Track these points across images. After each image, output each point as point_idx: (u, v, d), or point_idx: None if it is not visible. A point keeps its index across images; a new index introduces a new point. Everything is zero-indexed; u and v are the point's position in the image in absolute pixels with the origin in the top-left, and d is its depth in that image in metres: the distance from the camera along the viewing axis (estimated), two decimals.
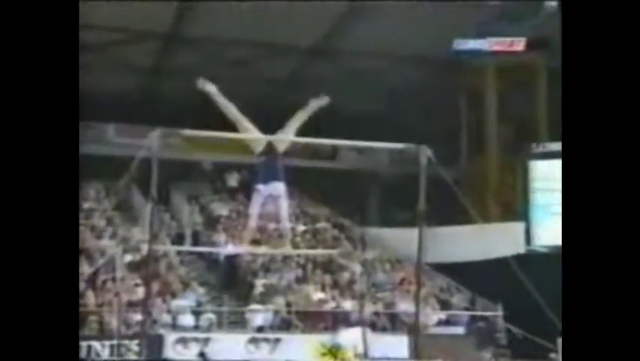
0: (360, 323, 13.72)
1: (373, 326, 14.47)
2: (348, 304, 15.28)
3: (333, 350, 11.27)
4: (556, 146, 17.16)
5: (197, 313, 14.49)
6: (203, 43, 18.85)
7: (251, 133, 8.06)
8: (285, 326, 14.74)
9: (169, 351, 13.22)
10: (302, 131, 8.57)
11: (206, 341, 13.64)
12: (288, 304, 15.17)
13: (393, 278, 16.96)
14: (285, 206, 7.99)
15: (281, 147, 8.15)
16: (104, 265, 14.36)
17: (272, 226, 14.89)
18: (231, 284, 16.30)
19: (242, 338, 14.02)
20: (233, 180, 20.73)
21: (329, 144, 17.62)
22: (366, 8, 17.35)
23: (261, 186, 7.92)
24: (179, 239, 17.39)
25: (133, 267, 14.68)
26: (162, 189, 11.37)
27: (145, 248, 11.19)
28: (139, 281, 13.71)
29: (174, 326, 14.03)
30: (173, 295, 14.70)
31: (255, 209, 7.96)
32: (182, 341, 13.56)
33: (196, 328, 14.23)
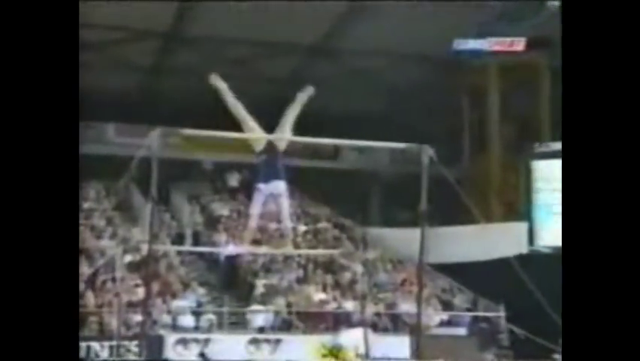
0: (361, 323, 13.63)
1: (375, 327, 14.41)
2: (349, 305, 15.24)
3: (334, 351, 11.20)
4: (559, 145, 17.00)
5: (197, 314, 14.46)
6: (204, 43, 18.82)
7: (255, 133, 8.04)
8: (286, 326, 14.71)
9: (169, 352, 13.20)
10: (303, 131, 8.55)
11: (207, 341, 13.61)
12: (289, 305, 15.13)
13: (395, 279, 16.92)
14: (286, 205, 7.97)
15: (281, 146, 8.13)
16: (103, 265, 14.34)
17: (273, 225, 14.90)
18: (232, 285, 16.26)
19: (242, 338, 13.98)
20: (233, 179, 20.67)
21: (330, 143, 17.55)
22: (366, 8, 17.32)
23: (261, 185, 7.89)
24: (179, 239, 17.36)
25: (133, 267, 14.65)
26: (162, 189, 11.37)
27: (145, 248, 11.13)
28: (139, 282, 13.67)
29: (174, 327, 13.99)
30: (174, 296, 14.66)
31: (255, 208, 7.93)
32: (183, 341, 13.53)
33: (196, 329, 14.20)
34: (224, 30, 18.04)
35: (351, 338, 12.57)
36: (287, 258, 16.16)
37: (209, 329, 14.21)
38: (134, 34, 18.39)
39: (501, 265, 11.06)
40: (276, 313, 14.86)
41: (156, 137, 7.57)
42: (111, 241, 15.80)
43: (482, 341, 15.03)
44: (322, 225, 19.05)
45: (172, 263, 15.96)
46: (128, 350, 12.48)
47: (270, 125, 8.24)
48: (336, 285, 16.13)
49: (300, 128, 8.46)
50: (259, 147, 8.06)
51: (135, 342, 12.38)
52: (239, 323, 14.76)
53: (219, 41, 18.72)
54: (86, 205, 17.35)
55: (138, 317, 12.77)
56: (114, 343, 12.66)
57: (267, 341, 14.03)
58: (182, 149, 18.64)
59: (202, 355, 13.27)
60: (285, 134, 8.05)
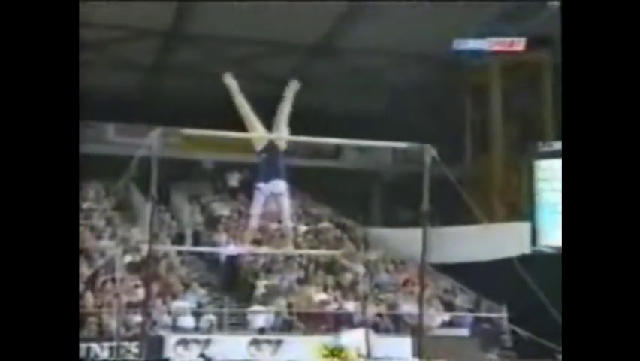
0: (362, 324, 13.65)
1: (376, 328, 14.34)
2: (350, 306, 15.16)
3: (336, 352, 11.14)
4: None
5: (197, 315, 14.39)
6: (204, 42, 18.80)
7: (258, 132, 8.07)
8: (287, 327, 14.64)
9: (169, 353, 13.12)
10: (303, 130, 8.51)
11: (207, 342, 13.54)
12: (290, 306, 15.06)
13: (397, 279, 16.87)
14: (286, 204, 7.98)
15: (282, 145, 8.15)
16: (103, 265, 14.31)
17: (274, 225, 14.83)
18: (232, 285, 16.20)
19: (243, 339, 13.91)
20: (234, 179, 20.62)
21: (332, 143, 17.49)
22: (367, 7, 17.31)
23: (262, 185, 7.90)
24: (179, 239, 17.32)
25: (133, 268, 14.59)
26: (162, 189, 11.37)
27: (145, 249, 11.11)
28: (139, 282, 13.63)
29: (174, 328, 13.92)
30: (174, 297, 14.60)
31: (256, 208, 7.94)
32: (183, 342, 13.45)
33: (197, 329, 14.14)
34: (224, 29, 18.02)
35: (353, 339, 12.54)
36: (288, 258, 16.12)
37: (209, 330, 14.14)
38: (133, 33, 18.37)
39: (504, 266, 11.06)
40: (277, 313, 14.79)
41: (156, 136, 7.57)
42: (111, 242, 15.76)
43: (485, 342, 14.97)
44: (323, 225, 19.00)
45: (172, 264, 15.92)
46: (128, 351, 12.41)
47: (269, 125, 8.25)
48: (338, 285, 16.07)
49: (300, 127, 8.42)
50: (260, 146, 8.09)
51: (135, 343, 12.28)
52: (239, 324, 14.70)
53: (220, 40, 18.71)
54: (85, 205, 17.30)
55: (138, 318, 12.66)
56: (114, 344, 12.58)
57: (268, 341, 13.96)
58: (182, 148, 18.60)
59: (202, 356, 13.19)
60: (282, 133, 8.06)
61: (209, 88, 19.91)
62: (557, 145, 17.72)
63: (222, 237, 17.10)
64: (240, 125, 8.27)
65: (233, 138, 8.91)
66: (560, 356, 12.40)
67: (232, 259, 16.36)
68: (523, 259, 11.23)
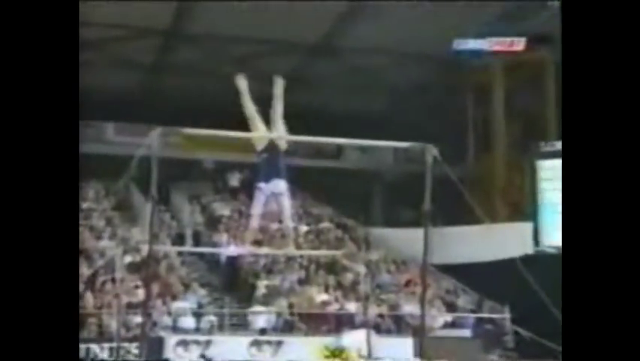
0: (364, 325, 13.62)
1: (378, 329, 14.30)
2: (352, 306, 15.12)
3: (337, 353, 11.09)
4: None
5: (198, 316, 14.36)
6: (204, 41, 18.75)
7: (260, 132, 8.11)
8: (288, 328, 14.60)
9: (169, 354, 13.09)
10: (304, 130, 8.48)
11: (208, 343, 13.50)
12: (291, 306, 15.03)
13: (398, 279, 16.85)
14: (287, 204, 8.02)
15: (283, 145, 8.17)
16: (103, 266, 14.30)
17: (274, 226, 14.77)
18: (233, 286, 16.16)
19: (244, 340, 13.86)
20: (234, 179, 20.59)
21: (333, 142, 17.44)
22: (368, 6, 17.28)
23: (262, 185, 7.92)
24: (179, 240, 17.31)
25: (133, 268, 14.58)
26: (162, 189, 11.42)
27: (145, 249, 11.10)
28: (139, 283, 13.62)
29: (175, 329, 13.88)
30: (174, 297, 14.57)
31: (257, 208, 7.97)
32: (183, 343, 13.41)
33: (197, 330, 14.11)
34: (224, 28, 17.99)
35: (354, 340, 12.51)
36: (289, 259, 16.10)
37: (210, 331, 14.12)
38: (134, 32, 18.34)
39: (506, 266, 11.08)
40: (278, 314, 14.76)
41: (156, 136, 7.58)
42: (111, 242, 15.74)
43: (487, 342, 14.88)
44: (324, 225, 18.97)
45: (172, 264, 15.90)
46: (128, 352, 12.38)
47: (267, 124, 8.26)
48: (339, 286, 16.04)
49: (300, 126, 8.38)
50: (260, 146, 8.11)
51: (135, 344, 12.25)
52: (240, 325, 14.66)
53: (220, 40, 18.68)
54: (85, 205, 17.26)
55: (138, 319, 12.64)
56: (114, 345, 12.56)
57: (269, 342, 13.90)
58: (182, 148, 18.58)
59: (203, 357, 13.14)
60: (280, 132, 8.08)
61: (210, 87, 20.02)
62: (560, 145, 17.63)
63: (223, 237, 17.09)
64: (241, 124, 8.26)
65: (234, 138, 8.91)
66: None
67: (233, 260, 16.34)
68: (525, 259, 11.22)
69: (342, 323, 14.47)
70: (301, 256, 16.31)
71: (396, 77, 20.47)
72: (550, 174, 18.11)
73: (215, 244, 16.90)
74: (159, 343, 13.04)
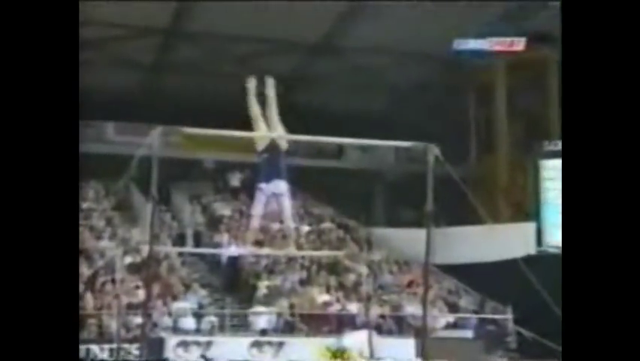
0: (365, 326, 13.68)
1: (379, 329, 14.32)
2: (353, 307, 15.11)
3: (338, 354, 11.05)
4: None
5: (198, 316, 14.34)
6: (204, 40, 18.71)
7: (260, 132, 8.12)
8: (289, 329, 14.57)
9: (170, 355, 13.07)
10: (304, 129, 8.44)
11: (208, 344, 13.50)
12: (292, 307, 15.00)
13: (400, 280, 16.84)
14: (287, 205, 8.00)
15: (283, 145, 8.15)
16: (103, 266, 14.31)
17: (275, 226, 14.71)
18: (234, 286, 16.13)
19: (245, 341, 13.84)
20: (235, 179, 20.53)
21: (334, 142, 17.37)
22: (368, 6, 17.27)
23: (263, 185, 7.91)
24: (180, 240, 17.28)
25: (133, 268, 14.58)
26: (163, 189, 11.44)
27: (145, 249, 11.08)
28: (139, 283, 13.62)
29: (175, 329, 13.87)
30: (174, 298, 14.55)
31: (257, 209, 7.95)
32: (184, 344, 13.40)
33: (197, 331, 14.10)
34: (225, 27, 17.96)
35: (356, 341, 12.49)
36: (290, 259, 16.10)
37: (210, 332, 14.11)
38: (133, 31, 18.29)
39: (509, 266, 11.07)
40: (279, 315, 14.74)
41: (157, 135, 7.54)
42: (111, 242, 15.71)
43: (489, 343, 14.87)
44: (326, 225, 18.93)
45: (173, 264, 15.88)
46: (129, 353, 12.38)
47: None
48: (340, 286, 16.01)
49: (301, 126, 8.33)
50: (261, 146, 8.09)
51: (135, 345, 12.24)
52: (241, 326, 14.63)
53: (220, 38, 18.65)
54: (85, 205, 17.21)
55: (138, 320, 12.65)
56: (114, 346, 12.56)
57: (270, 343, 13.89)
58: (183, 148, 18.51)
59: (203, 357, 13.11)
60: (279, 131, 8.08)
61: (211, 86, 19.94)
62: None
63: (224, 237, 17.05)
64: (242, 124, 8.22)
65: (235, 137, 8.87)
66: None
67: (234, 260, 16.34)
68: (528, 259, 11.18)
69: (343, 323, 14.46)
70: (302, 257, 16.27)
71: (398, 77, 20.44)
72: (553, 174, 18.04)
73: (216, 245, 16.87)
74: (159, 344, 13.02)
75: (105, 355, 12.53)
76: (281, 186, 7.85)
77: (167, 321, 13.91)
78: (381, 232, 18.79)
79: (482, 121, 21.14)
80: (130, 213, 17.91)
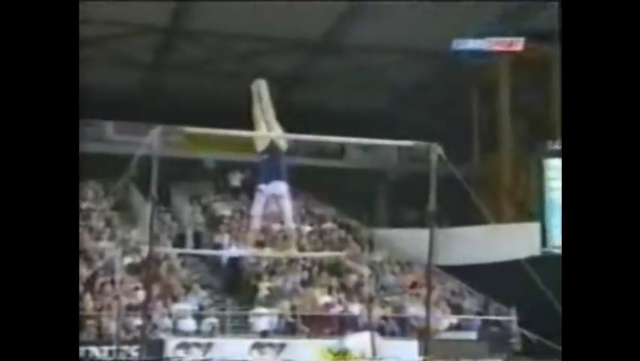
0: (368, 327, 13.57)
1: (382, 331, 14.25)
2: (355, 308, 15.07)
3: (340, 355, 10.95)
4: None
5: (199, 318, 14.32)
6: (205, 38, 18.68)
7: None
8: (291, 330, 14.54)
9: (170, 356, 12.94)
10: (305, 128, 8.42)
11: (209, 346, 13.50)
12: (294, 308, 14.97)
13: (403, 281, 16.83)
14: (288, 206, 7.93)
15: (283, 146, 8.09)
16: (102, 267, 14.29)
17: (276, 227, 14.63)
18: (235, 287, 16.11)
19: (245, 343, 13.82)
20: (236, 179, 20.50)
21: (335, 141, 17.29)
22: (368, 6, 17.24)
23: (262, 186, 7.85)
24: (180, 240, 17.29)
25: (133, 269, 14.56)
26: (163, 189, 11.42)
27: (145, 250, 11.01)
28: (139, 284, 13.61)
29: (175, 331, 13.86)
30: (175, 299, 14.53)
31: (257, 210, 7.89)
32: (184, 346, 13.38)
33: (198, 333, 14.08)
34: (225, 26, 17.95)
35: (358, 343, 12.42)
36: (291, 260, 16.06)
37: (211, 333, 14.10)
38: (133, 29, 18.28)
39: (512, 267, 11.02)
40: (280, 316, 14.71)
41: (157, 135, 7.45)
42: (110, 243, 15.71)
43: (493, 345, 14.86)
44: (327, 225, 18.92)
45: (173, 265, 15.88)
46: (128, 355, 12.34)
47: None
48: (342, 288, 15.97)
49: (301, 125, 8.24)
50: (261, 146, 8.04)
51: (135, 347, 12.20)
52: (242, 327, 14.61)
53: (221, 37, 18.64)
54: (84, 205, 17.22)
55: (138, 321, 12.65)
56: (113, 347, 12.50)
57: (271, 345, 13.86)
58: (183, 147, 18.52)
59: (204, 359, 13.06)
60: (277, 131, 8.03)
61: (211, 85, 19.85)
62: None
63: (224, 238, 17.04)
64: (243, 123, 8.15)
65: (236, 137, 8.79)
66: None
67: (234, 261, 16.36)
68: (532, 260, 11.10)
69: (345, 325, 14.44)
70: (304, 258, 16.21)
71: (400, 76, 20.45)
72: (557, 173, 17.89)
73: (216, 245, 16.84)
74: (159, 345, 13.00)
75: (104, 356, 12.46)
76: (281, 187, 7.78)
77: (167, 322, 13.90)
78: (383, 233, 18.75)
79: (485, 120, 21.09)
80: (129, 214, 17.91)
